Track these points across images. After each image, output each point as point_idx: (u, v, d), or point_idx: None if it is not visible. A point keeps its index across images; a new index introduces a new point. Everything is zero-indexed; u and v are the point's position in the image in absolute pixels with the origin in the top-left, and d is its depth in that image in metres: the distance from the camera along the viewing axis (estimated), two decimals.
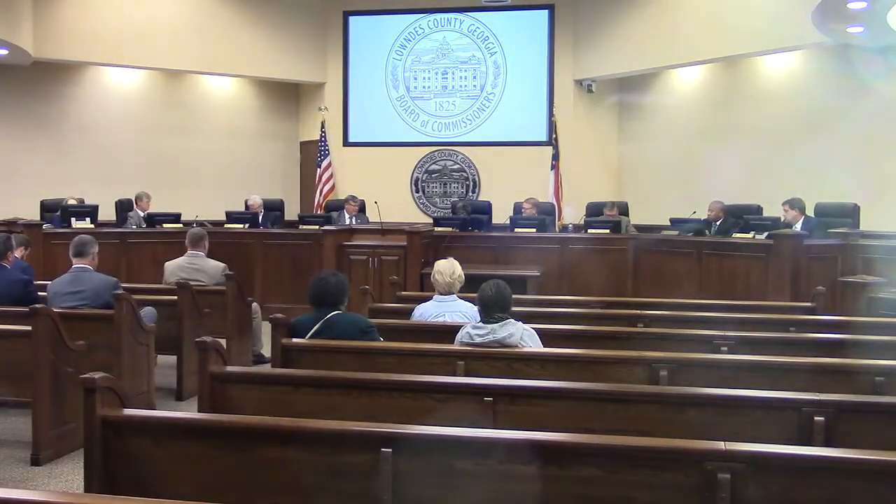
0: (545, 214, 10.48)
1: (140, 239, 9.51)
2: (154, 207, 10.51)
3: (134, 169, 12.10)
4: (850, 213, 8.46)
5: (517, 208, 10.63)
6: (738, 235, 8.38)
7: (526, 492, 2.45)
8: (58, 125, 12.00)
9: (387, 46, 12.93)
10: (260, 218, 10.45)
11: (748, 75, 10.91)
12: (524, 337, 4.05)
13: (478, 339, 4.06)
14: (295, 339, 4.23)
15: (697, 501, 2.35)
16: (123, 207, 10.65)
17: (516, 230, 9.70)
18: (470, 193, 12.72)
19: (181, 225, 9.58)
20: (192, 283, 6.52)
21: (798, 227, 8.11)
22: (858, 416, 3.00)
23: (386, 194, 11.09)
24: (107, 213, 10.39)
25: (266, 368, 4.93)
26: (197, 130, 12.93)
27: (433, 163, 12.87)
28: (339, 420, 2.84)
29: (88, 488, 2.75)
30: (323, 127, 12.82)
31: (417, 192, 12.94)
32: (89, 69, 12.12)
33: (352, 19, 12.96)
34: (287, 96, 13.66)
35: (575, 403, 3.21)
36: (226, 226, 10.02)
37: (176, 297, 6.27)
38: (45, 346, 4.69)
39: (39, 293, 5.64)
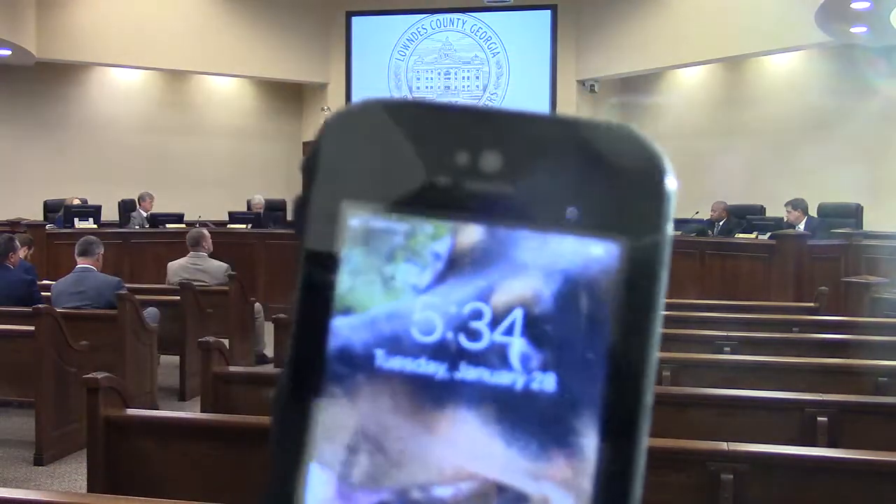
0: None
1: (143, 239, 9.52)
2: (157, 208, 10.53)
3: (137, 169, 12.10)
4: (854, 214, 8.46)
5: None
6: (741, 236, 8.37)
7: None
8: (61, 125, 12.02)
9: (389, 47, 12.93)
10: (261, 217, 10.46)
11: (751, 75, 10.90)
12: None
13: None
14: None
15: (700, 502, 2.34)
16: (126, 208, 10.67)
17: None
18: None
19: (184, 225, 9.60)
20: (194, 283, 6.52)
21: (801, 227, 8.11)
22: (862, 417, 3.00)
23: None
24: (110, 214, 10.41)
25: (269, 369, 4.93)
26: (200, 131, 12.94)
27: None
28: None
29: (91, 488, 2.75)
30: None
31: None
32: (92, 70, 12.14)
33: (354, 20, 12.96)
34: (290, 97, 13.67)
35: None
36: (229, 226, 10.03)
37: (179, 298, 6.27)
38: (48, 346, 4.70)
39: (43, 293, 5.65)
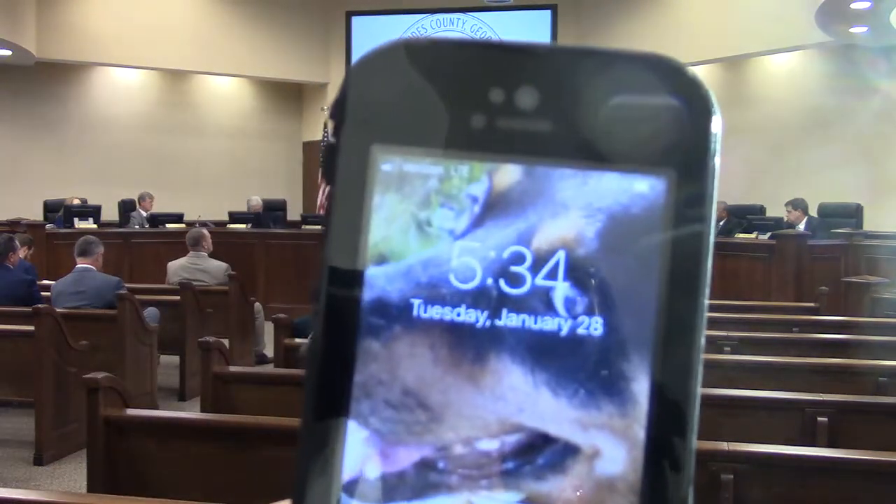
0: None
1: (143, 239, 9.52)
2: (157, 208, 10.53)
3: (137, 169, 12.11)
4: (854, 214, 8.46)
5: None
6: (742, 235, 8.38)
7: None
8: (60, 125, 12.02)
9: None
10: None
11: (751, 75, 10.90)
12: None
13: None
14: (297, 340, 4.24)
15: (700, 502, 2.35)
16: (126, 208, 10.67)
17: None
18: None
19: (184, 225, 9.60)
20: (194, 283, 6.52)
21: (801, 227, 8.11)
22: (861, 417, 3.00)
23: None
24: (109, 214, 10.41)
25: (268, 368, 4.93)
26: (200, 131, 12.95)
27: None
28: None
29: (91, 488, 2.75)
30: (326, 127, 12.83)
31: None
32: (92, 69, 12.15)
33: (354, 19, 12.96)
34: (290, 97, 13.67)
35: None
36: (229, 226, 10.03)
37: (179, 298, 6.27)
38: (48, 346, 4.70)
39: (43, 293, 5.65)
